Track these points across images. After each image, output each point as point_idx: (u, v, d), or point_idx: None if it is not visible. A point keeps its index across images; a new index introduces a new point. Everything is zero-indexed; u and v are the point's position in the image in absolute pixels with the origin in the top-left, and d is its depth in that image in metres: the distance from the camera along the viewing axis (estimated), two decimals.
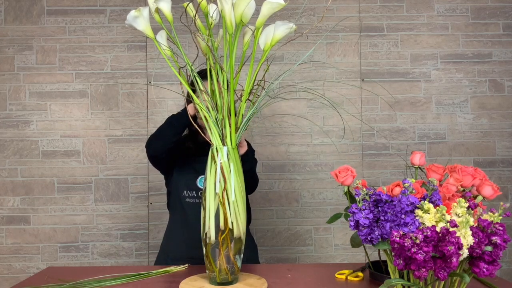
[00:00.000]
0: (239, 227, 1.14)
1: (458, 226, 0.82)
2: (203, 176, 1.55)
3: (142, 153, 2.22)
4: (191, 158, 1.61)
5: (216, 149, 1.15)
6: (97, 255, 2.21)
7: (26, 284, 1.25)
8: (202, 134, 1.27)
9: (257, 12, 1.09)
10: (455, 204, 0.88)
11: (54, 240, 2.20)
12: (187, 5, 1.12)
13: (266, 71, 1.17)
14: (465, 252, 0.80)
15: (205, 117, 1.14)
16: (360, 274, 1.27)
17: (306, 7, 2.28)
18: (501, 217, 0.86)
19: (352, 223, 0.95)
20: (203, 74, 1.41)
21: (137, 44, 2.24)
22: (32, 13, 2.23)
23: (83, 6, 2.24)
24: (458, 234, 0.80)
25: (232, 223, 1.13)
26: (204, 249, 1.17)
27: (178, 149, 1.59)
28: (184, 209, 1.59)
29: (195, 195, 1.58)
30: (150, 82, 2.23)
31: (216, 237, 1.13)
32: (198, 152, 1.60)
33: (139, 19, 1.12)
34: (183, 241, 1.56)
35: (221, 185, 1.13)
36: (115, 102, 2.23)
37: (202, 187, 1.56)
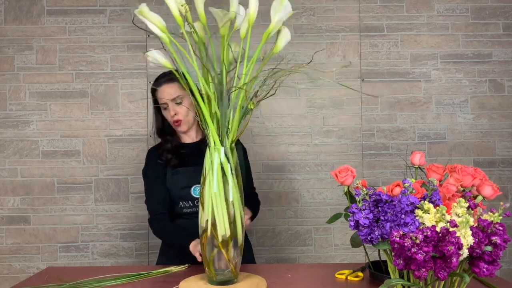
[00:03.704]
0: (238, 227, 1.14)
1: (458, 226, 0.82)
2: (196, 185, 1.57)
3: (142, 153, 2.21)
4: (180, 171, 1.61)
5: (214, 149, 1.15)
6: (97, 255, 2.21)
7: (26, 284, 1.25)
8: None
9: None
10: (455, 204, 0.88)
11: (54, 240, 2.20)
12: (185, 5, 1.12)
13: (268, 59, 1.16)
14: (465, 252, 0.80)
15: (203, 117, 1.14)
16: (360, 274, 1.27)
17: (306, 7, 2.28)
18: (501, 217, 0.86)
19: (352, 223, 0.95)
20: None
21: (137, 44, 2.24)
22: (32, 13, 2.23)
23: (83, 6, 2.24)
24: (458, 234, 0.80)
25: (231, 223, 1.13)
26: (203, 249, 1.17)
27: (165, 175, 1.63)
28: (183, 218, 1.61)
29: (191, 205, 1.60)
30: (150, 82, 2.23)
31: (215, 237, 1.13)
32: (184, 164, 1.62)
33: (159, 57, 1.14)
34: (186, 247, 1.56)
35: (219, 186, 1.13)
36: (115, 102, 2.23)
37: (197, 196, 1.58)
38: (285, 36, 1.16)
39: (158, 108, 1.63)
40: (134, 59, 2.24)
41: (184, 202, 1.61)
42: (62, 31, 2.24)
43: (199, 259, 1.37)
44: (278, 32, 1.16)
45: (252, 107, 1.12)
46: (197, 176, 1.55)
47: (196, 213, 1.55)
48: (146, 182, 1.66)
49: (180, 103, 1.56)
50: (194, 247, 1.39)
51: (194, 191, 1.59)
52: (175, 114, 1.56)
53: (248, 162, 1.74)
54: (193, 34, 1.12)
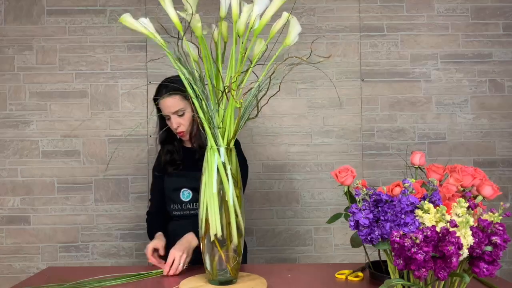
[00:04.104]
0: (237, 227, 1.14)
1: (458, 226, 0.82)
2: (184, 189, 1.63)
3: (142, 153, 2.22)
4: (173, 174, 1.66)
5: (210, 150, 1.15)
6: (97, 255, 2.21)
7: (26, 284, 1.25)
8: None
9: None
10: (455, 204, 0.88)
11: (54, 240, 2.20)
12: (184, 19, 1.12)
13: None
14: (465, 252, 0.80)
15: (200, 118, 1.14)
16: (360, 274, 1.27)
17: (306, 7, 2.28)
18: (501, 217, 0.86)
19: (352, 223, 0.95)
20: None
21: (137, 44, 2.24)
22: (32, 13, 2.23)
23: (83, 6, 2.24)
24: (458, 234, 0.80)
25: (230, 223, 1.13)
26: (203, 249, 1.17)
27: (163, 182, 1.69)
28: (173, 220, 1.67)
29: (180, 208, 1.64)
30: (150, 82, 2.23)
31: (214, 237, 1.13)
32: (177, 167, 1.66)
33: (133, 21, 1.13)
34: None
35: (218, 186, 1.13)
36: (115, 102, 2.23)
37: (184, 200, 1.63)
38: (295, 27, 1.14)
39: (161, 116, 1.64)
40: (134, 59, 2.24)
41: (174, 205, 1.65)
42: (62, 31, 2.24)
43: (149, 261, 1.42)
44: (289, 24, 1.15)
45: (238, 106, 1.12)
46: (186, 180, 1.61)
47: (185, 216, 1.63)
48: (152, 178, 1.75)
49: (182, 115, 1.56)
50: (148, 250, 1.43)
51: (183, 194, 1.62)
52: (178, 126, 1.57)
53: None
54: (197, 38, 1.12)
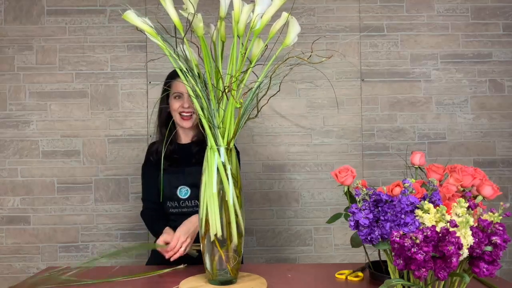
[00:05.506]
0: (237, 227, 1.14)
1: (458, 226, 0.82)
2: (181, 186, 1.61)
3: (142, 153, 2.21)
4: (169, 171, 1.63)
5: (210, 150, 1.15)
6: (97, 255, 2.20)
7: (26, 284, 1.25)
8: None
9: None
10: (455, 204, 0.88)
11: (54, 240, 2.20)
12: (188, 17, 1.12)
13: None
14: (465, 252, 0.80)
15: (199, 117, 1.15)
16: (360, 274, 1.27)
17: (306, 7, 2.28)
18: (501, 217, 0.86)
19: (352, 223, 0.95)
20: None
21: (137, 44, 2.24)
22: (32, 13, 2.23)
23: (83, 6, 2.24)
24: (458, 234, 0.80)
25: (230, 223, 1.13)
26: (203, 249, 1.17)
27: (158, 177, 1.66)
28: (170, 218, 1.64)
29: (177, 205, 1.63)
30: (150, 82, 2.23)
31: (214, 237, 1.13)
32: (173, 164, 1.64)
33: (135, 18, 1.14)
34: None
35: (218, 186, 1.13)
36: (115, 102, 2.23)
37: (182, 197, 1.61)
38: (294, 27, 1.14)
39: (163, 103, 1.62)
40: (134, 59, 2.24)
41: (170, 202, 1.63)
42: (62, 31, 2.24)
43: (166, 255, 1.41)
44: (288, 25, 1.15)
45: (238, 106, 1.12)
46: (184, 178, 1.60)
47: (182, 214, 1.60)
48: (142, 177, 1.75)
49: None
50: (160, 241, 1.42)
51: (180, 192, 1.61)
52: (189, 106, 1.56)
53: None
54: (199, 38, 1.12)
